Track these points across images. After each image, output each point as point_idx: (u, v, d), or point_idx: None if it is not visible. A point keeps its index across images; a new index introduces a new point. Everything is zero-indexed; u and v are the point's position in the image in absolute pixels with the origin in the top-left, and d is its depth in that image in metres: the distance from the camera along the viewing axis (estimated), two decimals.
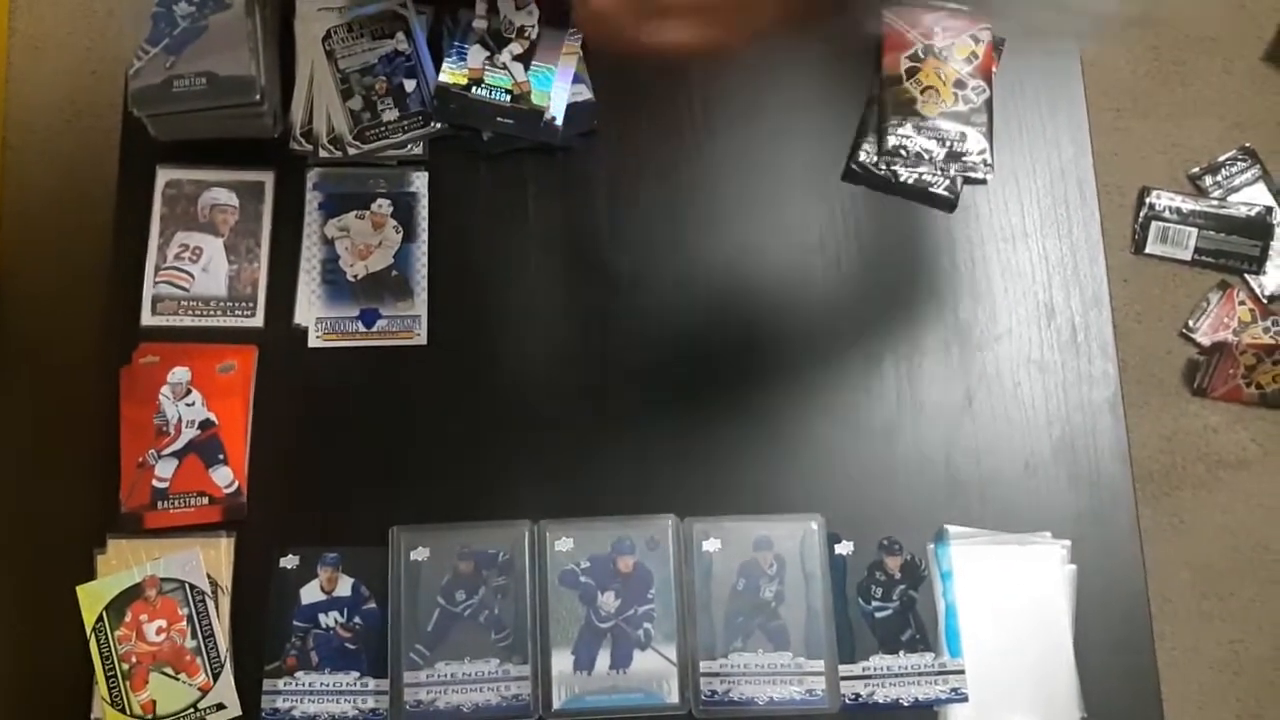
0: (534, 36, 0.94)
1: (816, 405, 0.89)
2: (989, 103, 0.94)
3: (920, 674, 0.83)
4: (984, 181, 0.94)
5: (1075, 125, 0.96)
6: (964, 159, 0.93)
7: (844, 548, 0.85)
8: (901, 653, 0.83)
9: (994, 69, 0.95)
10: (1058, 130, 0.96)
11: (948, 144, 0.93)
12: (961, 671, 0.83)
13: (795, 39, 0.68)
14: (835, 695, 0.82)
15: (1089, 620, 0.84)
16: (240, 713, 0.82)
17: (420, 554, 0.84)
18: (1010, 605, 0.84)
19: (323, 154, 0.91)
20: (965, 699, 0.82)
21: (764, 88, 0.94)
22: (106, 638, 0.83)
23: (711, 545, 0.85)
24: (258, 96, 0.88)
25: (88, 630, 0.83)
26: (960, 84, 0.94)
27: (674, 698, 0.82)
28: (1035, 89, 0.96)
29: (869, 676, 0.83)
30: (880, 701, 0.82)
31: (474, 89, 0.92)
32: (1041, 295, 0.91)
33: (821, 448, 0.88)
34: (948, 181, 0.93)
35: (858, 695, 0.82)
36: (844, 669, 0.83)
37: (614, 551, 0.85)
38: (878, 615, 0.84)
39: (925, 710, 0.83)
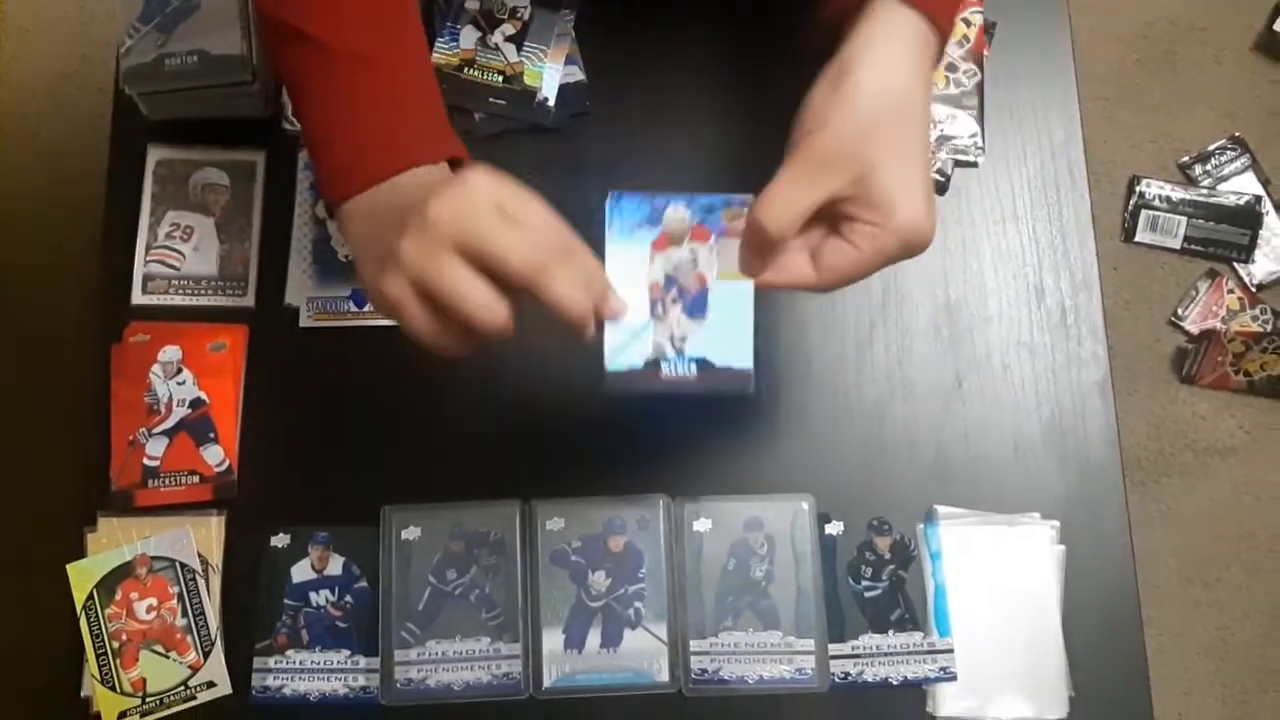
0: (526, 18, 0.94)
1: (807, 386, 0.89)
2: (980, 86, 0.94)
3: (909, 653, 0.83)
4: (975, 164, 0.94)
5: (1066, 109, 0.96)
6: (955, 142, 0.93)
7: (834, 528, 0.85)
8: (891, 632, 0.84)
9: (985, 53, 0.96)
10: (1048, 114, 0.96)
11: (939, 127, 0.93)
12: (950, 650, 0.83)
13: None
14: (824, 674, 0.83)
15: (1077, 600, 0.85)
16: (230, 691, 0.82)
17: (411, 533, 0.84)
18: (999, 585, 0.85)
19: None
20: (954, 678, 0.83)
21: (756, 69, 0.94)
22: (97, 616, 0.83)
23: (702, 525, 0.85)
24: (250, 75, 0.88)
25: (78, 608, 0.83)
26: (952, 67, 0.95)
27: (664, 676, 0.82)
28: (1026, 73, 0.96)
29: (858, 655, 0.83)
30: (869, 680, 0.83)
31: (466, 70, 0.92)
32: (1031, 278, 0.92)
33: (812, 429, 0.88)
34: (938, 164, 0.93)
35: (847, 674, 0.83)
36: (833, 648, 0.83)
37: (605, 531, 0.85)
38: (867, 595, 0.84)
39: (914, 689, 0.83)
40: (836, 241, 0.66)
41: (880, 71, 0.65)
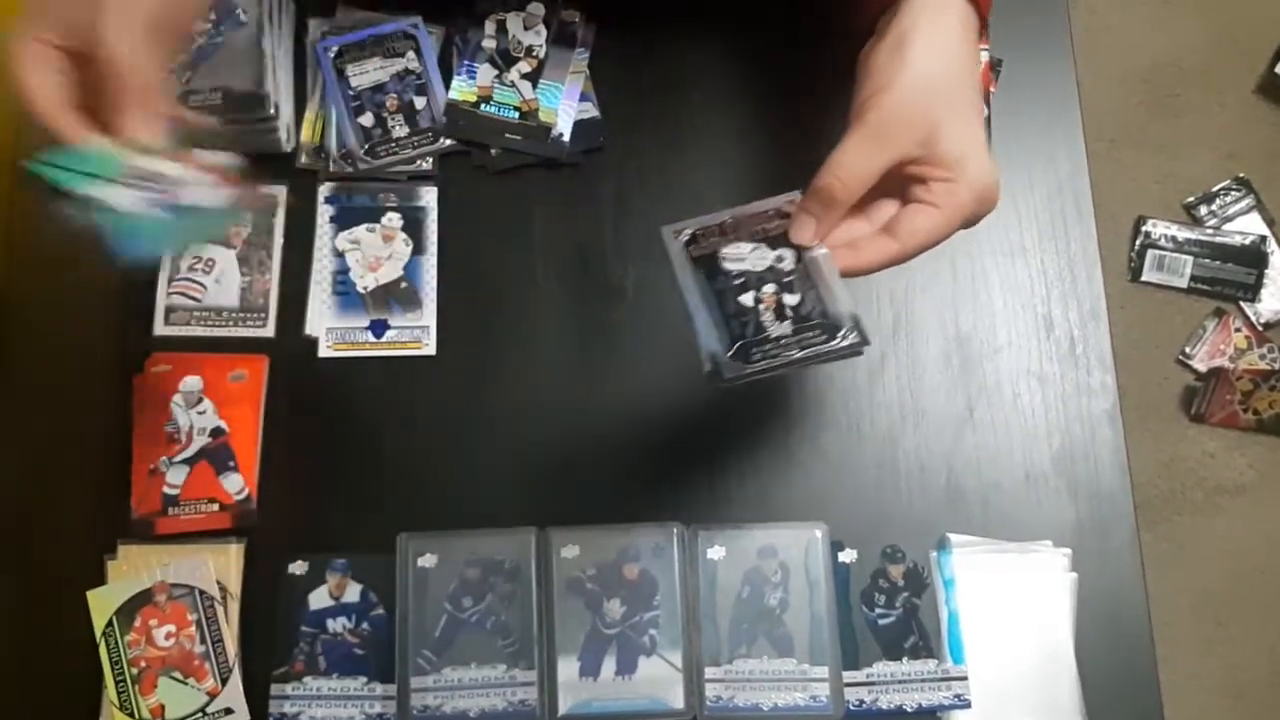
0: (542, 55, 0.96)
1: (820, 416, 0.90)
2: (987, 121, 0.96)
3: (923, 680, 0.83)
4: None
5: (1071, 144, 0.97)
6: None
7: (847, 556, 0.86)
8: (904, 659, 0.84)
9: (992, 89, 0.97)
10: (1054, 149, 0.97)
11: None
12: (964, 678, 0.83)
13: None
14: (839, 701, 0.83)
15: (1090, 627, 0.85)
16: (248, 717, 0.83)
17: (428, 561, 0.85)
18: (1012, 612, 0.85)
19: (334, 169, 0.93)
20: (968, 705, 0.83)
21: (767, 105, 0.96)
22: (116, 642, 0.83)
23: (716, 553, 0.86)
24: (271, 111, 0.90)
25: (97, 635, 0.83)
26: None
27: (679, 704, 0.83)
28: (1032, 108, 0.98)
29: (872, 683, 0.83)
30: (884, 708, 0.83)
31: (483, 106, 0.94)
32: (1040, 308, 0.93)
33: (825, 457, 0.89)
34: None
35: (861, 701, 0.83)
36: (847, 675, 0.83)
37: (620, 559, 0.85)
38: (881, 622, 0.85)
39: (928, 716, 0.83)
40: (915, 206, 0.68)
41: (938, 39, 0.69)
